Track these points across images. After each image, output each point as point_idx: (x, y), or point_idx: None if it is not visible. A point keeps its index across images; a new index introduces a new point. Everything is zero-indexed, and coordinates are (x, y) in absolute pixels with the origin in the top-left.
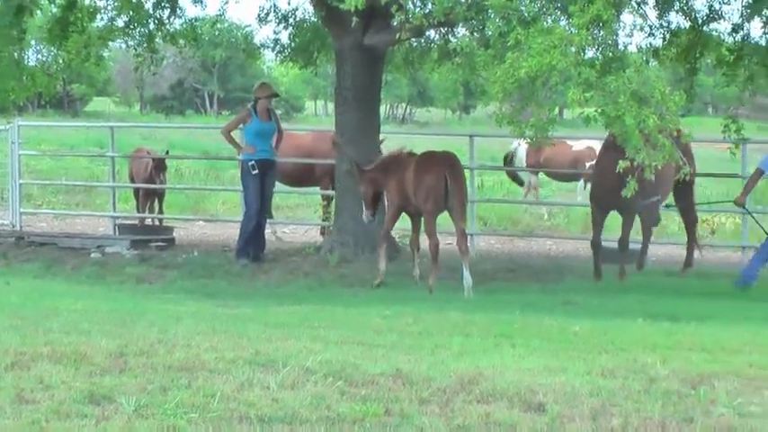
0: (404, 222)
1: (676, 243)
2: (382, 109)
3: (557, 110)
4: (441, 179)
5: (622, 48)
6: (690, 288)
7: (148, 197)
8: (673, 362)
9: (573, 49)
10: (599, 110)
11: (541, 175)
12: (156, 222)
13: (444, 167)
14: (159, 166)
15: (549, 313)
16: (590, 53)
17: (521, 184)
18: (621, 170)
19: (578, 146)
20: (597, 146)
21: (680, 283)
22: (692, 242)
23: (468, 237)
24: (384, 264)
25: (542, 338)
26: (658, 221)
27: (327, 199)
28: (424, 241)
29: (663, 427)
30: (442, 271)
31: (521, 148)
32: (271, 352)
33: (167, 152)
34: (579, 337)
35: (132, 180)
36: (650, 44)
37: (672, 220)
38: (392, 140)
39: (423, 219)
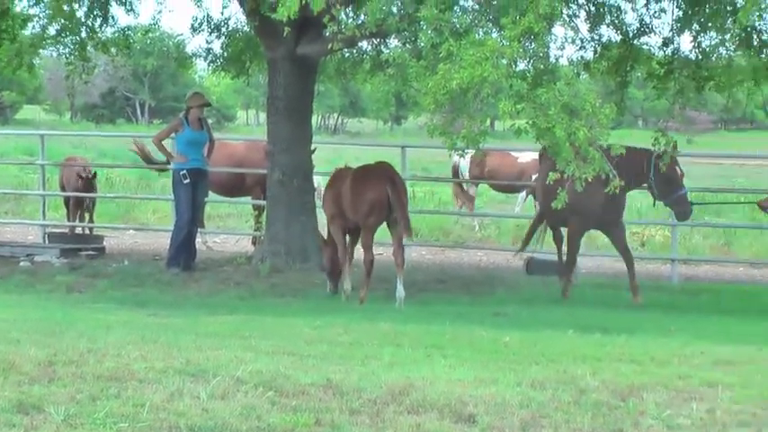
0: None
1: (606, 254)
2: (314, 119)
3: (488, 121)
4: (382, 193)
5: (554, 60)
6: (620, 300)
7: (79, 206)
8: (603, 373)
9: (504, 62)
10: (530, 122)
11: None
12: (87, 231)
13: (385, 181)
14: (86, 185)
15: (480, 324)
16: (521, 65)
17: (470, 199)
18: (552, 182)
19: (523, 157)
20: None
21: (610, 295)
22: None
23: None
24: (348, 282)
25: (473, 349)
26: (690, 214)
27: (259, 209)
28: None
29: None
30: (373, 282)
31: (463, 160)
32: (201, 362)
33: (95, 174)
34: (510, 348)
35: (63, 189)
36: (581, 57)
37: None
38: (324, 150)
39: (361, 233)
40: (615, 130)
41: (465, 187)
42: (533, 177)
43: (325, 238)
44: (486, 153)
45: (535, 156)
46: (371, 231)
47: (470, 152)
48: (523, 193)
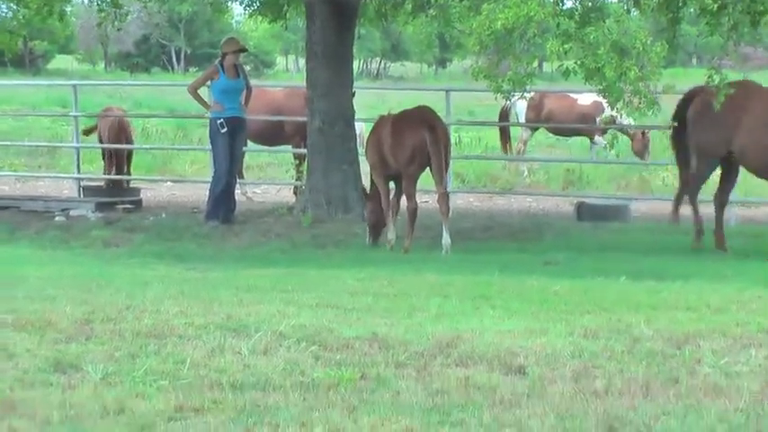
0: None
1: (660, 198)
2: (355, 64)
3: (535, 62)
4: (421, 139)
5: None
6: (675, 245)
7: (118, 158)
8: (657, 321)
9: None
10: (578, 62)
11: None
12: (123, 184)
13: (424, 126)
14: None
15: (529, 273)
16: (569, 3)
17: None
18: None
19: (583, 100)
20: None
21: (664, 241)
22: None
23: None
24: (392, 232)
25: (522, 300)
26: None
27: (299, 157)
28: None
29: (647, 387)
30: (418, 230)
31: (519, 102)
32: (242, 317)
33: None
34: (560, 297)
35: (101, 141)
36: None
37: (656, 175)
38: (366, 96)
39: (403, 181)
40: (667, 68)
41: (523, 131)
42: (597, 121)
43: (368, 187)
44: (544, 95)
45: (595, 98)
46: (413, 179)
47: (529, 94)
48: (599, 137)
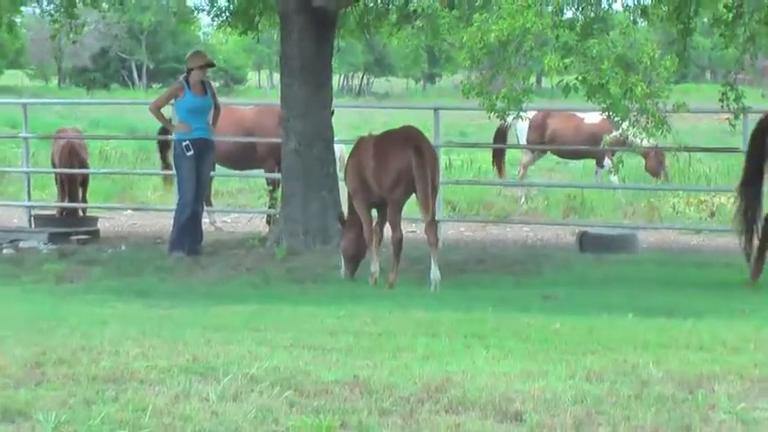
0: None
1: (671, 227)
2: (335, 79)
3: (532, 78)
4: (407, 162)
5: (606, 6)
6: (686, 279)
7: (72, 184)
8: (667, 362)
9: (550, 9)
10: (580, 77)
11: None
12: (79, 212)
13: (409, 148)
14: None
15: (527, 309)
16: (569, 13)
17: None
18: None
19: (591, 119)
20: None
21: (675, 274)
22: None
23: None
24: (376, 265)
25: (519, 338)
26: None
27: (273, 183)
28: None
29: None
30: (404, 263)
31: (520, 122)
32: (210, 359)
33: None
34: (560, 336)
35: (54, 165)
36: (638, 1)
37: (665, 202)
38: (347, 114)
39: (387, 208)
40: (678, 84)
41: (524, 154)
42: (606, 140)
43: (346, 214)
44: (548, 114)
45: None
46: (398, 206)
47: (528, 113)
48: (606, 160)
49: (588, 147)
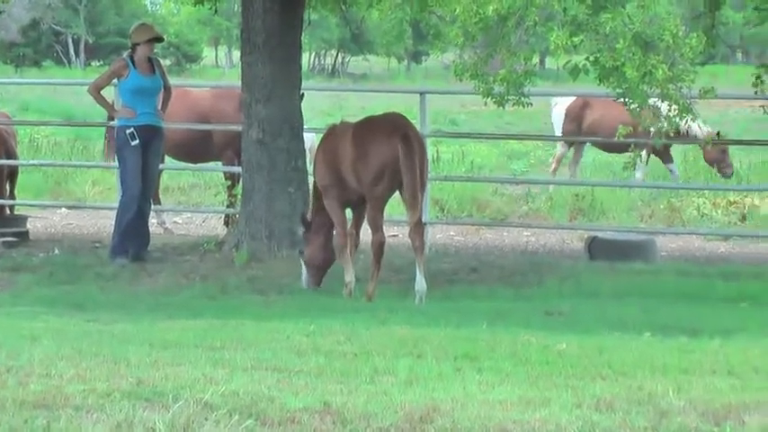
0: None
1: (695, 233)
2: (305, 58)
3: (535, 58)
4: (391, 153)
5: None
6: (712, 292)
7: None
8: (689, 390)
9: None
10: (591, 58)
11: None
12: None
13: (395, 137)
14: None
15: (526, 327)
16: None
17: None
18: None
19: None
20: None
21: (699, 286)
22: None
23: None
24: (351, 273)
25: (517, 361)
26: None
27: (232, 178)
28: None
29: None
30: (384, 271)
31: (555, 109)
32: (157, 382)
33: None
34: (566, 357)
35: None
36: None
37: (688, 202)
38: (319, 98)
39: (366, 207)
40: (705, 66)
41: (560, 146)
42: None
43: (310, 215)
44: (587, 100)
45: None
46: (380, 204)
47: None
48: (644, 153)
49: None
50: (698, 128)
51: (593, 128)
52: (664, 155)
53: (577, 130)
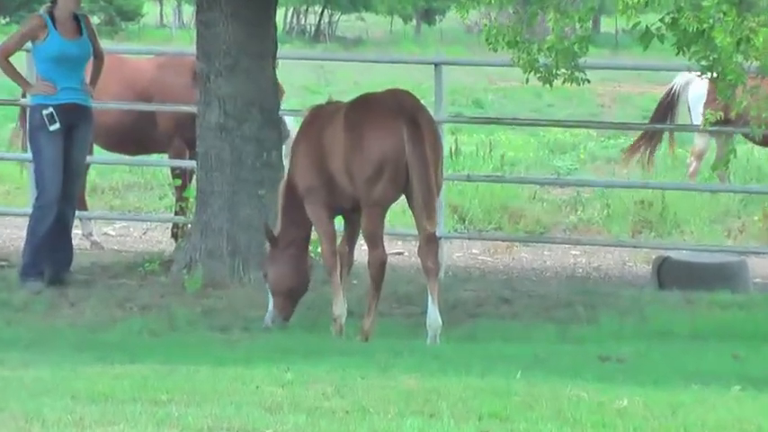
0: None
1: None
2: (280, 15)
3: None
4: (395, 143)
5: None
6: None
7: None
8: None
9: None
10: (668, 20)
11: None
12: None
13: (400, 122)
14: None
15: (575, 377)
16: None
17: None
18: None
19: None
20: None
21: None
22: None
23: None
24: (342, 304)
25: (563, 422)
26: None
27: (183, 176)
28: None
29: None
30: (385, 301)
31: (693, 86)
32: None
33: None
34: (627, 416)
35: None
36: None
37: None
38: (301, 69)
39: (362, 215)
40: None
41: (698, 138)
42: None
43: (278, 225)
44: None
45: None
46: (380, 211)
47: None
48: None
49: None
50: None
51: (744, 112)
52: None
53: (724, 117)
